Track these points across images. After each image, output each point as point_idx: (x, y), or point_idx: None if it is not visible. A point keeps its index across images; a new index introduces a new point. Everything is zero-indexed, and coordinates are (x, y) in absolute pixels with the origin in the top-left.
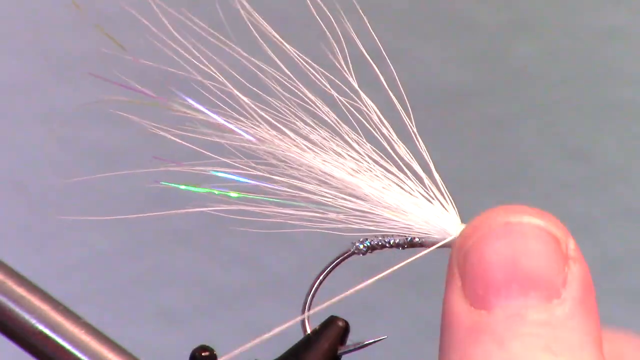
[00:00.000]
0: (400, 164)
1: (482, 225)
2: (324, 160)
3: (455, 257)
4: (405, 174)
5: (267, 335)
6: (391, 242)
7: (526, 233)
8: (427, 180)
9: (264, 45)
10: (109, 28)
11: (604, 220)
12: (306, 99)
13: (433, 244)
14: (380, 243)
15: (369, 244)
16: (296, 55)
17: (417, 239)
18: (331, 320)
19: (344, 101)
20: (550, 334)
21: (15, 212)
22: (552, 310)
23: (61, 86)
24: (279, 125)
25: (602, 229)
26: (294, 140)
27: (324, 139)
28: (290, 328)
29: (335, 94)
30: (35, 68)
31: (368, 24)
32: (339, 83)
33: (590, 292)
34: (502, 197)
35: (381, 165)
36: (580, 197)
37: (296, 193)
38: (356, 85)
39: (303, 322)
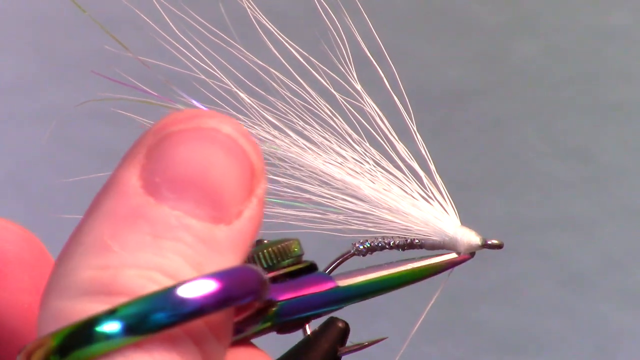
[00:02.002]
0: (401, 164)
1: (195, 119)
2: (325, 161)
3: (149, 136)
4: (405, 174)
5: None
6: (391, 243)
7: (234, 154)
8: (427, 181)
9: (266, 43)
10: (110, 27)
11: (604, 220)
12: (307, 99)
13: (432, 245)
14: (380, 244)
15: (368, 245)
16: (297, 54)
17: (416, 241)
18: (331, 321)
19: (345, 101)
20: (205, 252)
21: (15, 212)
22: (215, 232)
23: (61, 86)
24: (279, 125)
25: (602, 229)
26: (295, 140)
27: (325, 139)
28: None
29: (336, 94)
30: (35, 68)
31: (369, 24)
32: (342, 82)
33: (252, 238)
34: (502, 197)
35: (381, 166)
36: (580, 197)
37: (296, 193)
38: (358, 85)
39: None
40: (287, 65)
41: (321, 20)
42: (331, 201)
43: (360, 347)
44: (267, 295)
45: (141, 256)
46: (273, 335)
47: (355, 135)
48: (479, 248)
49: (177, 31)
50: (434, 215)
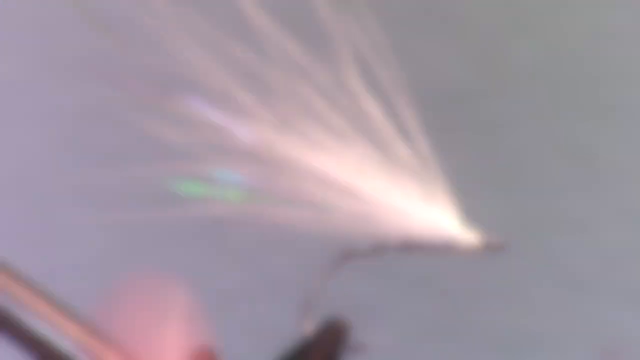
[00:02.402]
0: (402, 165)
1: None
2: (326, 161)
3: None
4: (406, 175)
5: None
6: (392, 244)
7: None
8: (428, 182)
9: (266, 42)
10: (109, 26)
11: (604, 220)
12: (308, 99)
13: (434, 246)
14: (380, 246)
15: (370, 246)
16: (298, 54)
17: (417, 241)
18: (331, 322)
19: (346, 100)
20: None
21: (16, 212)
22: None
23: (61, 86)
24: (280, 124)
25: (602, 229)
26: (296, 140)
27: (326, 139)
28: (289, 330)
29: (336, 93)
30: (36, 68)
31: (369, 23)
32: (343, 81)
33: None
34: (502, 197)
35: (382, 167)
36: (580, 197)
37: (297, 193)
38: (358, 85)
39: (303, 324)
40: (288, 65)
41: (322, 19)
42: (332, 201)
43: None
44: None
45: None
46: None
47: (356, 135)
48: (480, 249)
49: (176, 30)
50: (435, 216)
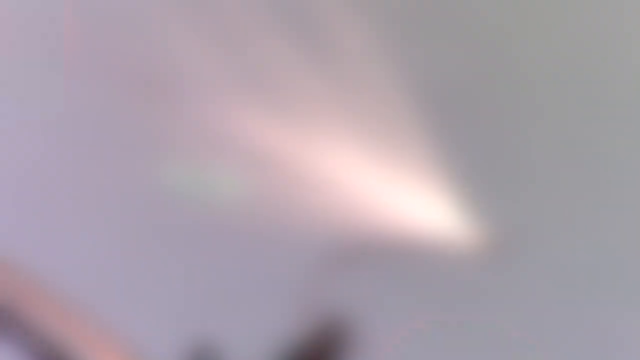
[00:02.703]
0: (402, 164)
1: None
2: (325, 160)
3: None
4: (407, 174)
5: None
6: (392, 243)
7: None
8: (427, 182)
9: (267, 42)
10: (107, 25)
11: (604, 220)
12: (308, 98)
13: (434, 246)
14: (381, 244)
15: (370, 245)
16: (299, 53)
17: (418, 241)
18: (331, 322)
19: (346, 99)
20: None
21: (16, 213)
22: None
23: (61, 86)
24: (280, 124)
25: (601, 228)
26: (295, 140)
27: (326, 138)
28: (288, 330)
29: (336, 93)
30: (36, 68)
31: (369, 22)
32: (342, 80)
33: None
34: (502, 196)
35: (382, 167)
36: (580, 197)
37: (296, 193)
38: (358, 84)
39: (302, 324)
40: (288, 64)
41: (323, 18)
42: (331, 200)
43: None
44: None
45: None
46: None
47: (356, 135)
48: (480, 249)
49: (175, 27)
50: (436, 216)
